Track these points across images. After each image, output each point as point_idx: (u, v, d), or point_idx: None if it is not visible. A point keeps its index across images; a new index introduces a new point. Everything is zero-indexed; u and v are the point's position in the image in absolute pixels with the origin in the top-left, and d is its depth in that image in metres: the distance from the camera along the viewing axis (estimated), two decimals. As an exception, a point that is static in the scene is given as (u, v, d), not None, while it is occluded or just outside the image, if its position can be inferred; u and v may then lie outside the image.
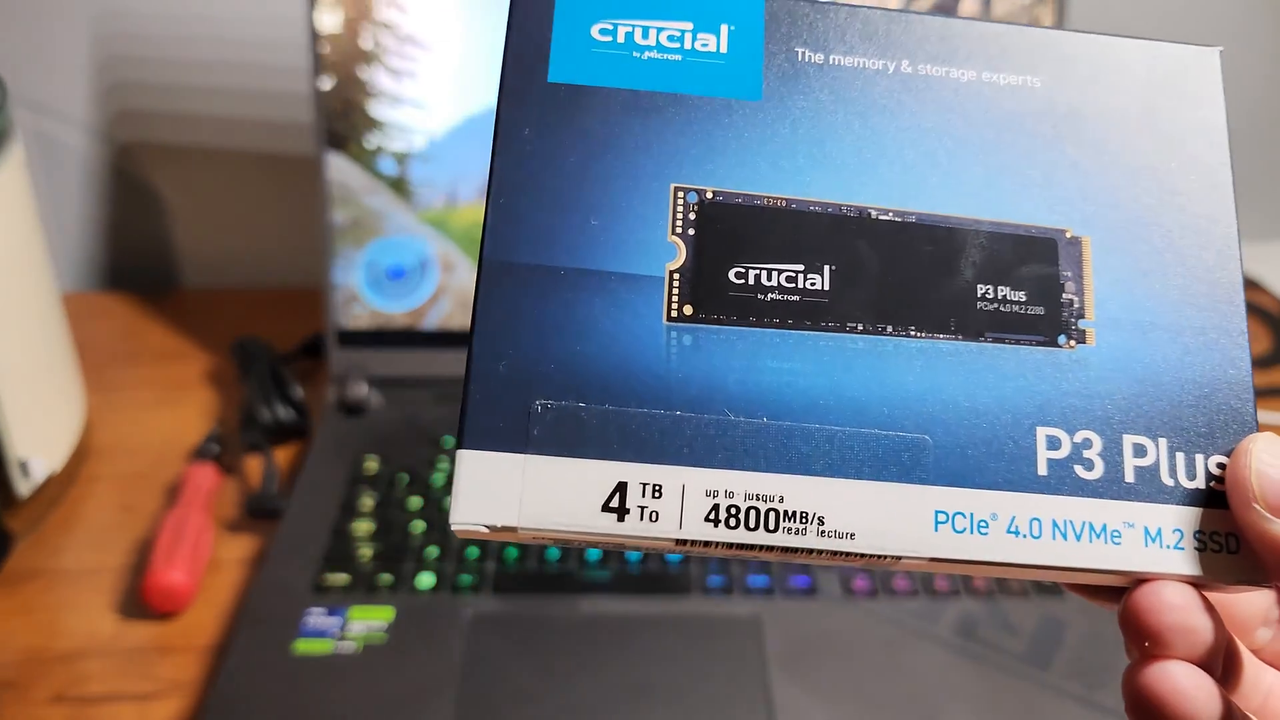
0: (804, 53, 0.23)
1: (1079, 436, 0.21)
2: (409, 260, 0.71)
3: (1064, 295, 0.22)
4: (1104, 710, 0.51)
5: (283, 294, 0.87)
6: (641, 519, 0.20)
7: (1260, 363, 0.83)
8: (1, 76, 0.63)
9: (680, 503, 0.20)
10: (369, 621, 0.55)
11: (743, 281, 0.22)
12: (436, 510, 0.63)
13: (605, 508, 0.20)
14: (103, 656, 0.56)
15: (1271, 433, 0.21)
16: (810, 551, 0.20)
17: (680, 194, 0.22)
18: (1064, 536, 0.21)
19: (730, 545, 0.20)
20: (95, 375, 0.74)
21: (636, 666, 0.53)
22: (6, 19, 0.81)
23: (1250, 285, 0.92)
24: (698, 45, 0.23)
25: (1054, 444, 0.21)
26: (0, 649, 0.57)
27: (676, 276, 0.21)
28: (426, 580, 0.58)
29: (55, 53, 0.83)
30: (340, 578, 0.58)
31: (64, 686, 0.55)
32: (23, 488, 0.62)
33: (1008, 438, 0.21)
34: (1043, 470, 0.21)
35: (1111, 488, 0.21)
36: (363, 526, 0.61)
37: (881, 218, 0.22)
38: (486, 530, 0.20)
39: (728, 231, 0.22)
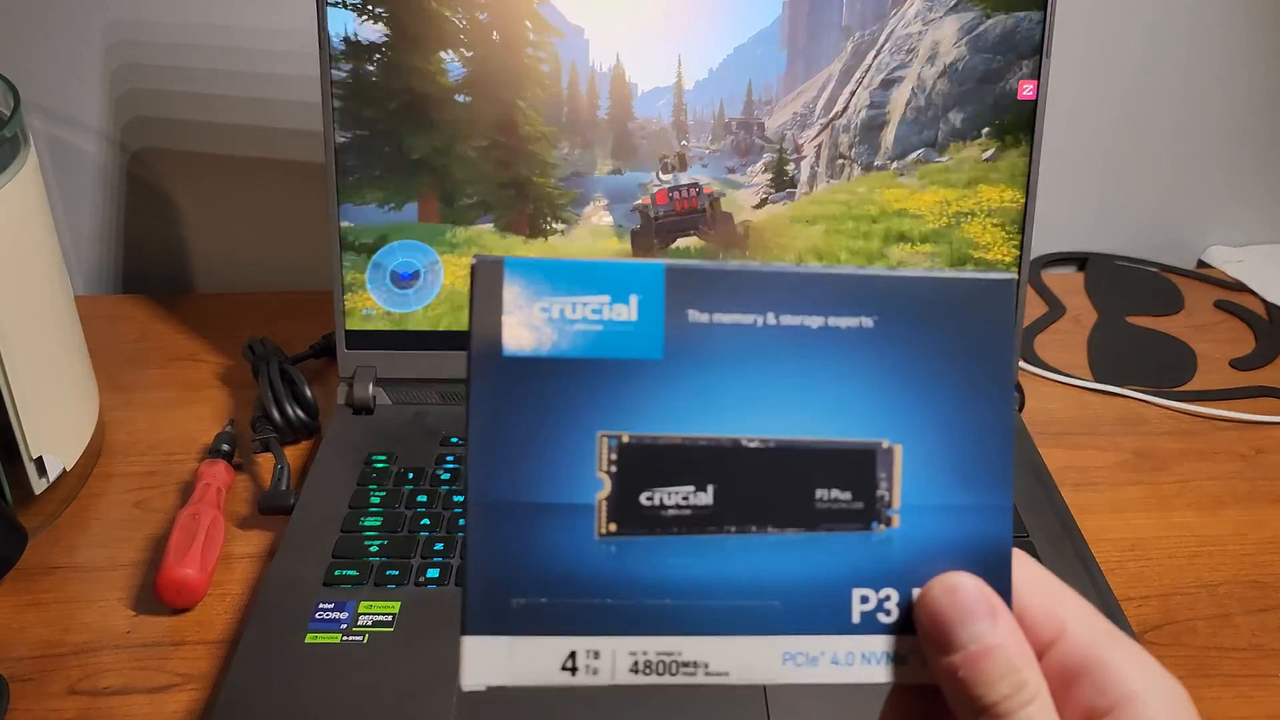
0: (693, 314, 0.29)
1: (883, 593, 0.29)
2: (417, 263, 0.72)
3: (878, 492, 0.29)
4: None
5: (293, 297, 0.88)
6: (587, 673, 0.28)
7: (1244, 363, 0.84)
8: (16, 85, 0.64)
9: (613, 661, 0.28)
10: (376, 614, 0.56)
11: (650, 502, 0.29)
12: (442, 506, 0.64)
13: (563, 668, 0.28)
14: (117, 650, 0.58)
15: (955, 577, 0.29)
16: (700, 685, 0.28)
17: (605, 440, 0.28)
18: (868, 661, 0.29)
19: (647, 686, 0.28)
20: (110, 376, 0.76)
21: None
22: (21, 28, 0.82)
23: (1236, 288, 0.93)
24: (614, 315, 0.29)
25: (865, 600, 0.29)
26: (16, 643, 0.58)
27: (604, 503, 0.28)
28: (432, 574, 0.59)
29: (70, 61, 0.84)
30: (349, 572, 0.59)
31: (78, 680, 0.56)
32: (38, 485, 0.63)
33: (833, 597, 0.29)
34: (856, 619, 0.29)
35: (900, 626, 0.29)
36: (370, 522, 0.62)
37: (749, 445, 0.29)
38: (485, 689, 0.28)
39: (639, 465, 0.29)
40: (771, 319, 0.29)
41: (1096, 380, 0.81)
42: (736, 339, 0.29)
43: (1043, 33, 0.69)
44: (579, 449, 0.28)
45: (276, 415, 0.71)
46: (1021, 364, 0.82)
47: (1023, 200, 0.71)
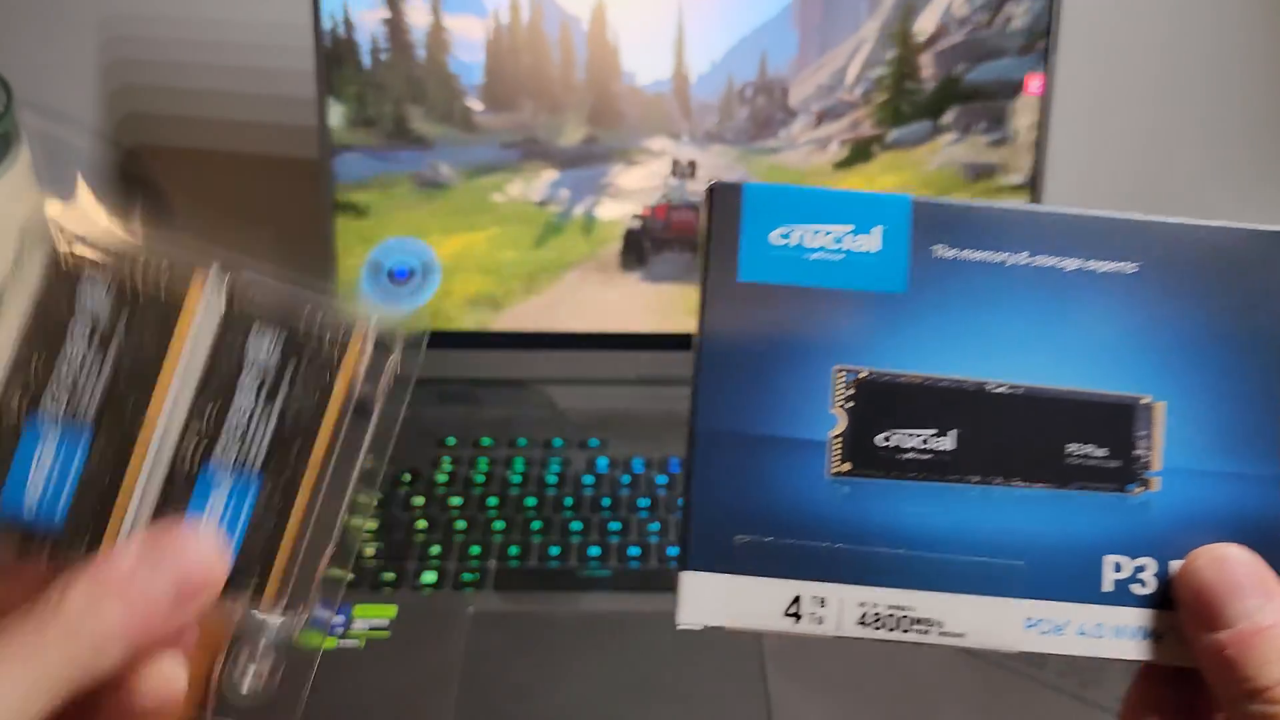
0: (940, 249, 0.28)
1: (1138, 561, 0.27)
2: (412, 262, 0.71)
3: (1136, 451, 0.27)
4: (1098, 707, 0.51)
5: (288, 295, 0.87)
6: (811, 621, 0.27)
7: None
8: (9, 80, 0.63)
9: (839, 611, 0.27)
10: (372, 618, 0.56)
11: (887, 444, 0.27)
12: (438, 509, 0.63)
13: (785, 613, 0.27)
14: (109, 653, 0.57)
15: (1224, 548, 0.27)
16: (933, 645, 0.27)
17: (841, 374, 0.27)
18: (1119, 635, 0.27)
19: (873, 640, 0.27)
20: (102, 376, 0.75)
21: (636, 663, 0.53)
22: (13, 23, 0.82)
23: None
24: (856, 245, 0.28)
25: (1117, 568, 0.27)
26: (8, 646, 0.57)
27: (837, 441, 0.27)
28: (429, 578, 0.58)
29: (62, 56, 0.83)
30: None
31: (71, 683, 0.55)
32: (30, 487, 0.63)
33: (1083, 562, 0.27)
34: (1107, 587, 0.27)
35: (1157, 600, 0.27)
36: (366, 525, 0.62)
37: (996, 390, 0.27)
38: (701, 628, 0.28)
39: (877, 403, 0.27)
40: (1023, 258, 0.28)
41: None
42: (985, 277, 0.28)
43: (1048, 28, 0.68)
44: (813, 382, 0.27)
45: (271, 415, 0.71)
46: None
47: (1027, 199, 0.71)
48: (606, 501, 0.63)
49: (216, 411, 0.27)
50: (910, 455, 0.27)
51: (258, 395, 0.28)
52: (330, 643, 0.54)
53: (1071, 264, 0.28)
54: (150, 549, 0.26)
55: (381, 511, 0.63)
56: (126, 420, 0.27)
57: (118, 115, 0.86)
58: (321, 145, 0.70)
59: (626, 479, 0.65)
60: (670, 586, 0.57)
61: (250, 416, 0.28)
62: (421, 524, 0.62)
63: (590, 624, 0.55)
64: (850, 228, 0.28)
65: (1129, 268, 0.28)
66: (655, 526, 0.61)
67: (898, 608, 0.27)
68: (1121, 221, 0.28)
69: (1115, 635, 0.27)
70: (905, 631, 0.27)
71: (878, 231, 0.28)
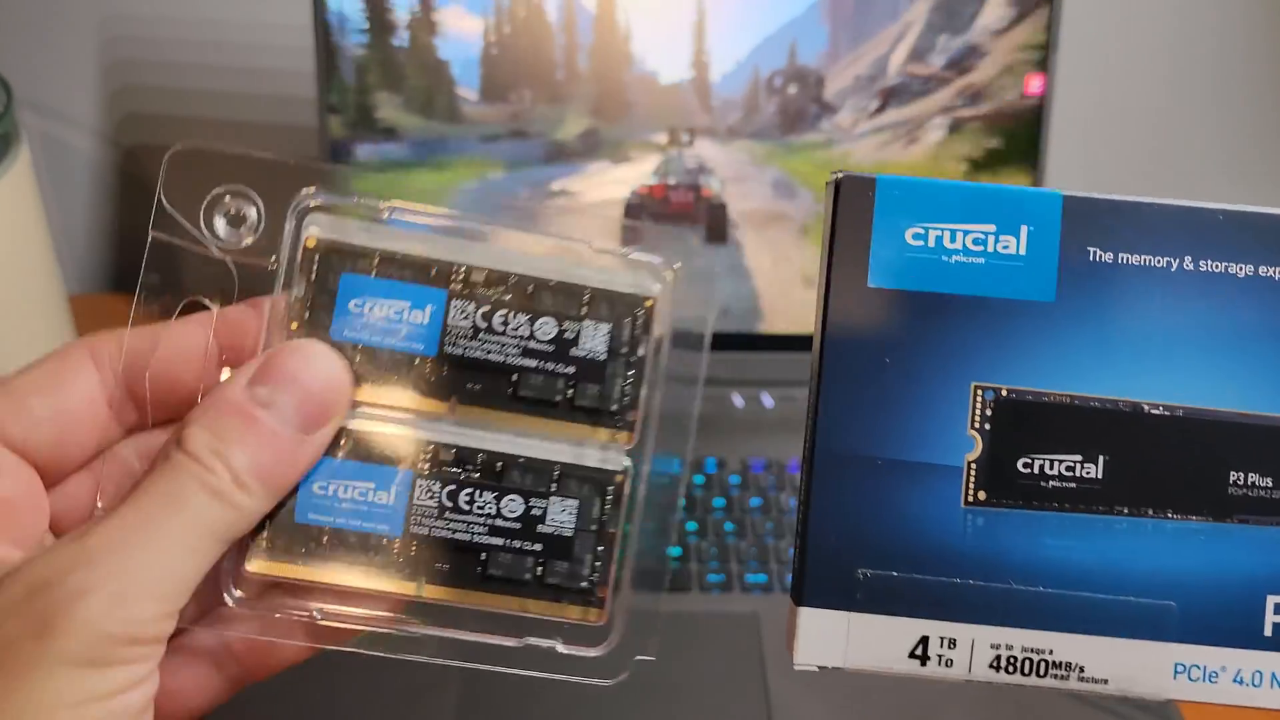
0: (1095, 252, 0.25)
1: None
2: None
3: None
4: (1099, 707, 0.51)
5: (288, 295, 0.87)
6: (939, 664, 0.25)
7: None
8: (9, 80, 0.63)
9: (970, 653, 0.25)
10: (372, 619, 0.56)
11: (1029, 470, 0.25)
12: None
13: (911, 655, 0.25)
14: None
15: None
16: (1072, 691, 0.25)
17: (979, 392, 0.25)
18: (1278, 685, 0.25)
19: (1008, 685, 0.25)
20: (102, 376, 0.75)
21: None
22: (13, 23, 0.82)
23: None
24: (999, 248, 0.25)
25: None
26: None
27: (973, 466, 0.25)
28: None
29: (62, 56, 0.83)
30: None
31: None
32: (30, 487, 0.63)
33: (1241, 603, 0.25)
34: (1268, 632, 0.25)
35: None
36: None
37: (1153, 411, 0.25)
38: (818, 669, 0.25)
39: (1018, 425, 0.25)
40: (1188, 263, 0.25)
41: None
42: (1144, 284, 0.25)
43: (1049, 29, 0.68)
44: (948, 401, 0.25)
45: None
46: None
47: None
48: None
49: None
50: (1054, 483, 0.25)
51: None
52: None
53: (1243, 270, 0.25)
54: (264, 373, 0.25)
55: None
56: None
57: (118, 115, 0.86)
58: (321, 145, 0.70)
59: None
60: (672, 585, 0.57)
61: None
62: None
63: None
64: (993, 227, 0.25)
65: None
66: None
67: (1035, 650, 0.25)
68: None
69: (1276, 684, 0.25)
70: (1042, 676, 0.25)
71: (1025, 231, 0.25)
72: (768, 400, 0.71)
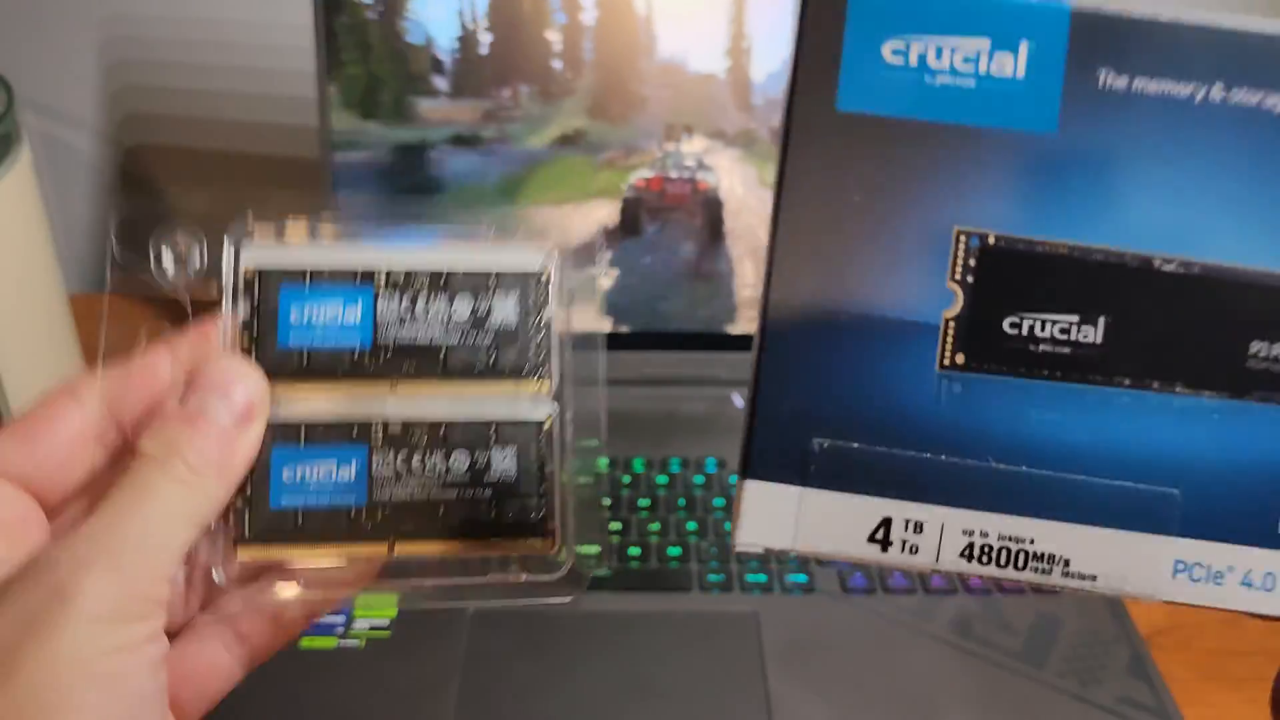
0: (1106, 76, 0.21)
1: None
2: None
3: None
4: (1098, 707, 0.51)
5: (288, 295, 0.87)
6: (902, 550, 0.22)
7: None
8: (9, 80, 0.63)
9: (939, 538, 0.22)
10: (372, 618, 0.56)
11: (1016, 331, 0.22)
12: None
13: (871, 538, 0.22)
14: (110, 653, 0.57)
15: None
16: (1055, 586, 0.22)
17: (963, 238, 0.22)
18: None
19: (981, 575, 0.22)
20: (102, 375, 0.75)
21: (636, 662, 0.53)
22: (14, 23, 0.82)
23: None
24: (993, 68, 0.21)
25: None
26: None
27: (952, 324, 0.22)
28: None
29: (63, 56, 0.83)
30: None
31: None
32: (31, 486, 0.63)
33: (1255, 495, 0.21)
34: None
35: None
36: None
37: (1165, 268, 0.22)
38: (763, 549, 0.22)
39: (1006, 278, 0.22)
40: (1217, 93, 0.21)
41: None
42: (1163, 116, 0.21)
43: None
44: (926, 247, 0.22)
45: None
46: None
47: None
48: (606, 501, 0.63)
49: None
50: (1044, 347, 0.22)
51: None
52: (331, 642, 0.54)
53: None
54: (193, 388, 0.29)
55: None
56: None
57: (118, 115, 0.86)
58: (321, 145, 0.70)
59: (626, 479, 0.65)
60: (672, 585, 0.56)
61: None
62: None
63: (590, 623, 0.55)
64: (987, 43, 0.21)
65: None
66: (655, 526, 0.61)
67: (1014, 539, 0.22)
68: None
69: None
70: (1021, 568, 0.22)
71: (1023, 49, 0.21)
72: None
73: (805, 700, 0.52)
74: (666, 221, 0.69)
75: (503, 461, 0.31)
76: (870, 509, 0.22)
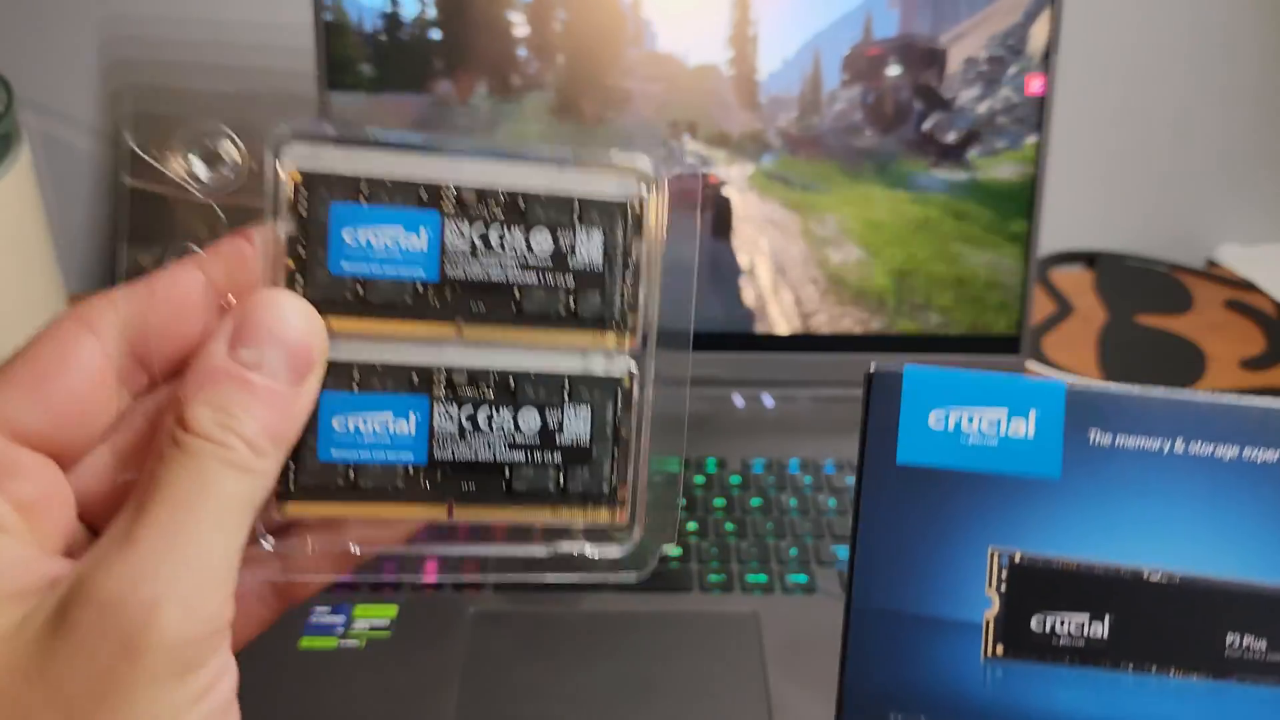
0: (1095, 434, 0.28)
1: None
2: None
3: None
4: None
5: (288, 295, 0.87)
6: None
7: (1256, 363, 0.83)
8: (9, 80, 0.63)
9: None
10: (373, 619, 0.56)
11: (1041, 629, 0.28)
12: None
13: None
14: (109, 653, 0.57)
15: None
16: None
17: (996, 556, 0.28)
18: None
19: None
20: (102, 376, 0.75)
21: (637, 663, 0.53)
22: (14, 22, 0.82)
23: (1246, 288, 0.92)
24: (1011, 431, 0.28)
25: None
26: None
27: (992, 623, 0.28)
28: (429, 578, 0.58)
29: (63, 56, 0.83)
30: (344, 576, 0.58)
31: (71, 683, 0.55)
32: (30, 487, 0.62)
33: None
34: None
35: None
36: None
37: (1152, 578, 0.27)
38: None
39: (1031, 587, 0.28)
40: (1179, 446, 0.28)
41: (1106, 380, 0.80)
42: (1140, 464, 0.28)
43: (1050, 29, 0.68)
44: (969, 564, 0.28)
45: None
46: (1029, 363, 0.81)
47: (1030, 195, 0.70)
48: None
49: None
50: (1064, 640, 0.28)
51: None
52: (331, 643, 0.54)
53: (1229, 452, 0.28)
54: (242, 333, 0.25)
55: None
56: None
57: (118, 115, 0.86)
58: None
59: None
60: (673, 586, 0.57)
61: None
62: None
63: (591, 623, 0.55)
64: (1005, 412, 0.28)
65: None
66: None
67: None
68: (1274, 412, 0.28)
69: None
70: None
71: (1033, 416, 0.28)
72: (768, 400, 0.71)
73: (806, 700, 0.52)
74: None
75: (576, 422, 0.28)
76: None
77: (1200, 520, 0.28)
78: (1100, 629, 0.28)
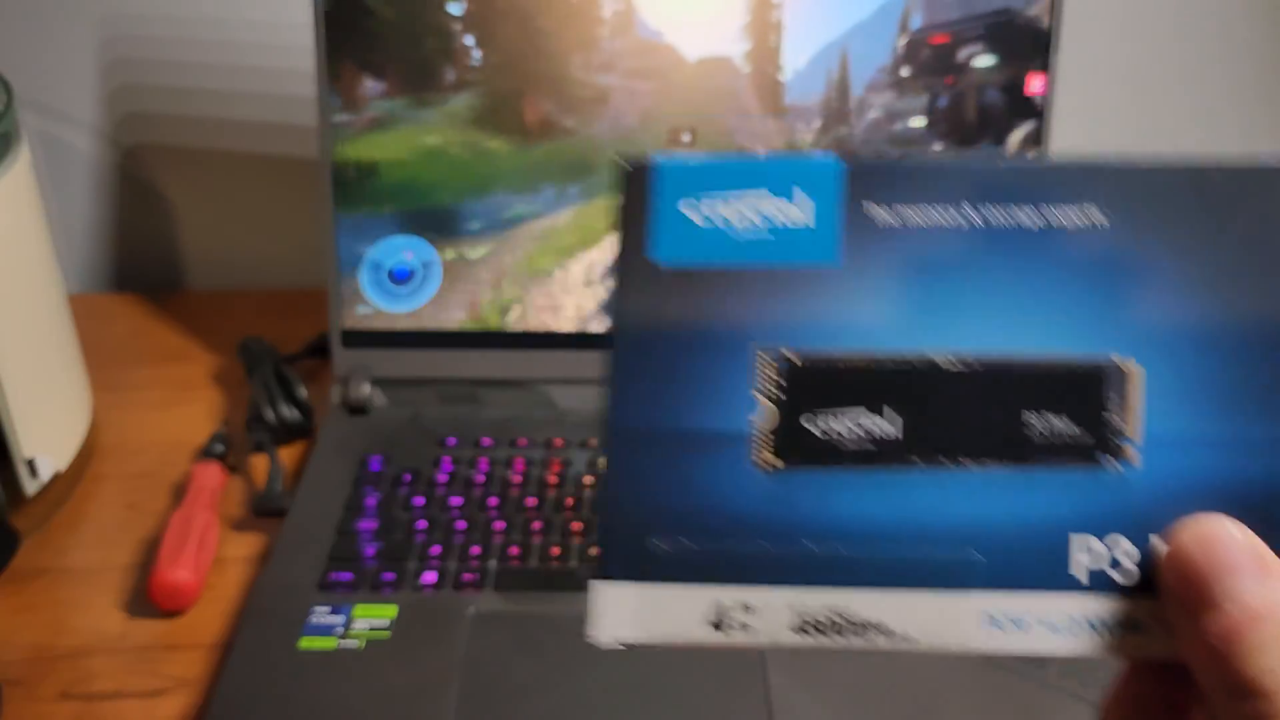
0: (878, 214, 0.25)
1: (1114, 544, 0.24)
2: (413, 261, 0.71)
3: (1109, 420, 0.25)
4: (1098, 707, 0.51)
5: (288, 295, 0.87)
6: (738, 630, 0.25)
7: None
8: (9, 80, 0.63)
9: (769, 617, 0.25)
10: (372, 619, 0.56)
11: (821, 432, 0.25)
12: (438, 509, 0.63)
13: (709, 623, 0.25)
14: (109, 654, 0.57)
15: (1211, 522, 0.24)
16: (880, 651, 0.24)
17: (768, 357, 0.25)
18: (1093, 628, 0.24)
19: (812, 648, 0.25)
20: (102, 375, 0.75)
21: (636, 664, 0.53)
22: (14, 22, 0.82)
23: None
24: (782, 217, 0.25)
25: (1088, 552, 0.24)
26: (8, 646, 0.57)
27: (764, 430, 0.25)
28: (430, 578, 0.58)
29: (62, 55, 0.83)
30: (344, 576, 0.58)
31: (71, 684, 0.55)
32: (30, 486, 0.63)
33: (1049, 548, 0.24)
34: (1077, 575, 0.24)
35: (1137, 586, 0.24)
36: (366, 525, 0.62)
37: (947, 366, 0.25)
38: (619, 644, 0.25)
39: (810, 389, 0.25)
40: (976, 219, 0.25)
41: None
42: (931, 242, 0.25)
43: (1049, 29, 0.68)
44: (738, 369, 0.25)
45: (271, 416, 0.71)
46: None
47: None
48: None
49: None
50: (850, 444, 0.25)
51: None
52: (331, 643, 0.54)
53: (1033, 222, 0.25)
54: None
55: (381, 511, 0.63)
56: None
57: (118, 115, 0.86)
58: (321, 145, 0.69)
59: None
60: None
61: None
62: (422, 524, 0.62)
63: (591, 624, 0.55)
64: (774, 199, 0.25)
65: (1098, 219, 0.25)
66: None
67: (836, 611, 0.25)
68: (1087, 168, 0.25)
69: (1088, 628, 0.24)
70: (845, 637, 0.25)
71: (806, 201, 0.25)
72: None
73: (806, 700, 0.52)
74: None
75: None
76: (705, 597, 0.25)
77: (1002, 298, 0.25)
78: (890, 427, 0.25)
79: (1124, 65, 0.90)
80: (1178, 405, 0.25)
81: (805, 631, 0.25)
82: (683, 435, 0.25)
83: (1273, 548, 0.23)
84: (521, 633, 0.55)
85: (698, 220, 0.25)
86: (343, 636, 0.55)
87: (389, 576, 0.58)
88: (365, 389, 0.71)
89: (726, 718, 0.51)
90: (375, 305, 0.71)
